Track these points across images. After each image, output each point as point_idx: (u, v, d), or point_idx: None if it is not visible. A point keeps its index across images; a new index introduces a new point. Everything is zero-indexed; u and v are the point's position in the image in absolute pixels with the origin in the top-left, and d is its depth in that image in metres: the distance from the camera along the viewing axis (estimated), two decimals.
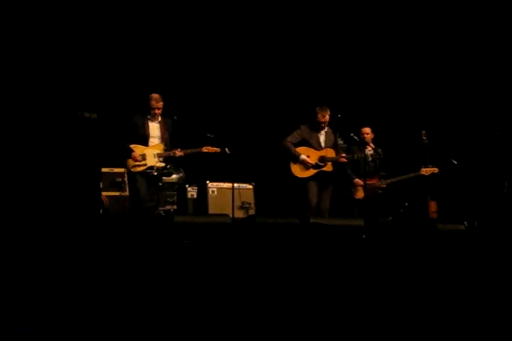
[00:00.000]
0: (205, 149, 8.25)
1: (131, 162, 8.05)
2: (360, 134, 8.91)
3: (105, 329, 4.30)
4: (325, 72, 10.69)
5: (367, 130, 9.09)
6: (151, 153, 8.09)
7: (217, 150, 8.24)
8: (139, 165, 8.02)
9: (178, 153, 8.17)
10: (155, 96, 8.08)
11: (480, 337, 4.67)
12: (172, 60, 10.10)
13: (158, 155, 8.11)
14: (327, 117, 8.57)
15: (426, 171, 8.90)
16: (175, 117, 8.22)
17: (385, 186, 9.01)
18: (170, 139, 8.25)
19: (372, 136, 9.10)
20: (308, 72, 10.65)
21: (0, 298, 4.34)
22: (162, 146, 8.16)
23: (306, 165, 8.54)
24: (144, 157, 8.07)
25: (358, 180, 8.93)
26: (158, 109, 8.08)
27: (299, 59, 10.64)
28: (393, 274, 5.40)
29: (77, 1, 9.24)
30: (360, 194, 8.92)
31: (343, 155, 8.68)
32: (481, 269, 5.61)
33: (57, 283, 4.63)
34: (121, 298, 4.60)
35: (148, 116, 8.13)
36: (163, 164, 8.18)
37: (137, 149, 8.08)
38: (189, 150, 8.25)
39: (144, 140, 8.12)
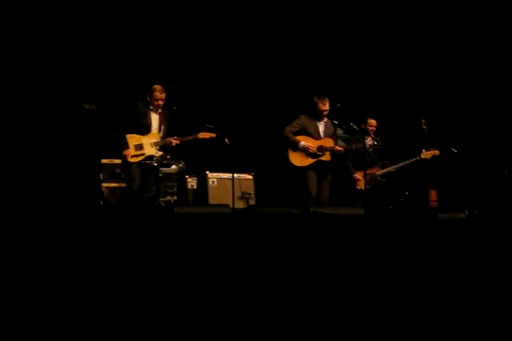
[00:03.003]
0: (201, 135, 8.20)
1: (130, 152, 7.98)
2: (366, 124, 8.89)
3: (104, 320, 4.30)
4: (323, 61, 10.68)
5: (374, 122, 9.02)
6: (147, 142, 8.06)
7: (213, 135, 8.22)
8: (137, 155, 7.98)
9: (175, 141, 8.13)
10: (158, 87, 8.04)
11: (479, 327, 4.68)
12: (170, 50, 10.08)
13: (155, 144, 8.08)
14: (327, 105, 8.55)
15: (427, 154, 8.85)
16: (174, 108, 8.19)
17: (385, 173, 8.99)
18: (168, 130, 8.20)
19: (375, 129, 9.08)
20: (306, 61, 10.64)
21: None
22: (158, 135, 8.12)
23: (306, 152, 8.52)
24: (141, 146, 8.03)
25: (356, 175, 8.94)
26: (162, 100, 8.04)
27: (298, 49, 10.62)
28: (394, 263, 5.41)
29: None
30: (362, 184, 8.91)
31: (340, 145, 8.69)
32: (481, 258, 5.62)
33: (55, 274, 4.63)
34: (121, 289, 4.60)
35: (151, 107, 8.09)
36: (161, 152, 8.15)
37: (134, 139, 8.02)
38: (185, 138, 8.21)
39: (146, 129, 8.06)
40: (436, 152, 8.88)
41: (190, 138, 8.23)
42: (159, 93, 8.02)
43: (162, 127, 8.14)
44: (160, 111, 8.14)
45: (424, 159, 8.89)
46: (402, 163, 8.98)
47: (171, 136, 8.17)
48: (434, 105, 10.39)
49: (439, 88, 10.71)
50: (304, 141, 8.53)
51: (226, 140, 8.08)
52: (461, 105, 10.61)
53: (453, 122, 10.40)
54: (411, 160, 8.94)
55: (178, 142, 8.15)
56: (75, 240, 5.25)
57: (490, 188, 9.80)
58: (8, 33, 8.69)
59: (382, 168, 9.03)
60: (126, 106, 8.18)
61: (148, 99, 8.09)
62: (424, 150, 8.86)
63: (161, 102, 8.06)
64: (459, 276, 5.29)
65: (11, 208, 6.72)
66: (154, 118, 8.14)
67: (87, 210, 7.22)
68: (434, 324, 4.65)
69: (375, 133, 9.00)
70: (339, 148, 8.59)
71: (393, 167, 9.00)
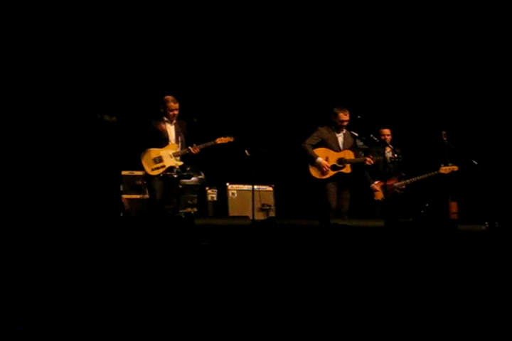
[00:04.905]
0: (219, 140, 8.12)
1: (150, 164, 7.98)
2: (379, 135, 8.88)
3: (115, 331, 4.32)
4: (343, 73, 10.70)
5: (387, 131, 9.04)
6: (166, 153, 8.01)
7: (231, 139, 8.15)
8: (158, 168, 7.96)
9: (194, 149, 8.04)
10: (171, 97, 7.99)
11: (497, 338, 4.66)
12: (191, 63, 10.13)
13: (175, 155, 8.04)
14: (348, 116, 8.53)
15: (445, 169, 8.81)
16: (194, 119, 8.15)
17: (404, 187, 8.97)
18: (186, 141, 8.16)
19: (391, 138, 9.07)
20: (326, 74, 10.66)
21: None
22: (176, 145, 8.08)
23: (320, 170, 8.49)
24: (160, 159, 7.99)
25: (373, 186, 8.93)
26: (177, 109, 7.98)
27: (318, 61, 10.65)
28: (414, 275, 5.39)
29: (98, 9, 9.33)
30: (379, 195, 8.90)
31: (370, 156, 8.63)
32: (501, 270, 5.59)
33: (75, 285, 4.66)
34: (141, 299, 4.62)
35: (165, 119, 8.05)
36: (181, 162, 8.11)
37: (153, 152, 7.99)
38: (203, 145, 8.12)
39: (164, 142, 8.00)
40: (455, 168, 8.84)
41: (209, 144, 8.14)
42: (173, 103, 7.98)
43: (179, 138, 8.09)
44: (175, 121, 8.11)
45: (442, 174, 8.86)
46: (420, 177, 8.94)
47: (190, 146, 8.13)
48: (454, 117, 10.36)
49: (459, 100, 10.69)
50: (321, 157, 8.51)
51: (246, 152, 8.07)
52: (482, 117, 10.57)
53: (473, 134, 10.36)
54: (429, 175, 8.90)
55: (197, 150, 8.04)
56: (95, 251, 5.27)
57: (511, 200, 9.75)
58: (30, 46, 8.79)
59: (400, 180, 9.01)
60: (143, 123, 8.15)
61: (161, 110, 8.04)
62: (442, 165, 8.82)
63: (176, 112, 8.00)
64: (479, 288, 5.26)
65: (30, 219, 6.76)
66: (170, 130, 8.10)
67: (106, 222, 7.25)
68: (455, 336, 4.64)
69: (395, 145, 8.97)
70: (371, 161, 8.56)
71: (410, 180, 8.97)
